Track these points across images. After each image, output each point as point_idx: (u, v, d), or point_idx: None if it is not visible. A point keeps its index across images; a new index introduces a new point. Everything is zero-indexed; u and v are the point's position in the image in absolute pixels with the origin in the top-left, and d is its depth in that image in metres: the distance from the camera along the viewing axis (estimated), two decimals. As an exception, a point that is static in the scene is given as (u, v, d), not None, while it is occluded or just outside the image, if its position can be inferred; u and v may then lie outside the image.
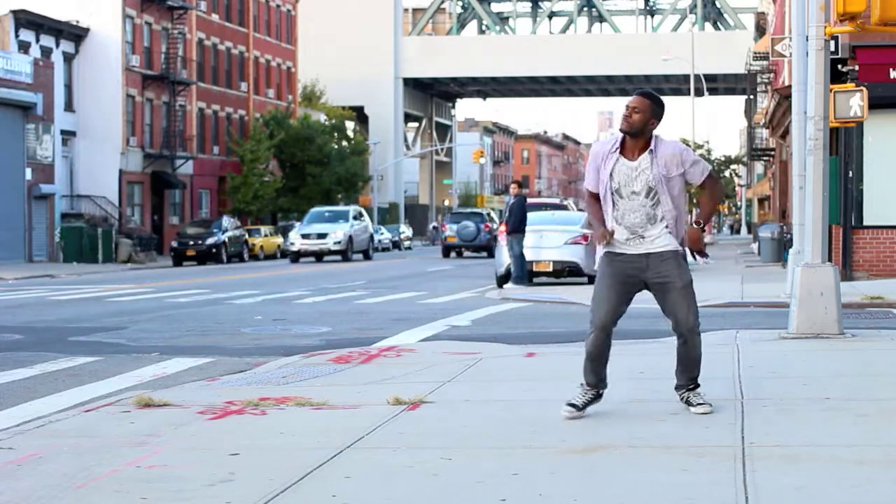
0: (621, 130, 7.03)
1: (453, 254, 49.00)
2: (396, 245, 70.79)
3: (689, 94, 73.50)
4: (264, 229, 56.63)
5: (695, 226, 7.13)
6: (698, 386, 7.25)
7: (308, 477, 5.66)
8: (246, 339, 13.99)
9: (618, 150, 7.05)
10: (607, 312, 7.11)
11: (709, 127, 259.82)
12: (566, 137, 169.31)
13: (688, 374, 7.24)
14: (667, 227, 7.06)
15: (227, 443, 6.58)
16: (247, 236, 52.85)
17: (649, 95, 7.04)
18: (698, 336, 7.18)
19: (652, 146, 7.01)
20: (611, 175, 7.02)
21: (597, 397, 7.24)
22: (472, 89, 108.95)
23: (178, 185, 58.48)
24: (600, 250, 7.21)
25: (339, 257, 46.28)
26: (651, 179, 6.98)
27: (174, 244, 48.83)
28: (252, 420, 7.35)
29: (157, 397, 8.12)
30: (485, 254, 46.74)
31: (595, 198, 7.19)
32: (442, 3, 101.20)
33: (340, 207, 53.32)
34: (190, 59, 60.45)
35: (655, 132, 7.08)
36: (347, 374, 9.59)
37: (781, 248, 31.44)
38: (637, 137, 7.00)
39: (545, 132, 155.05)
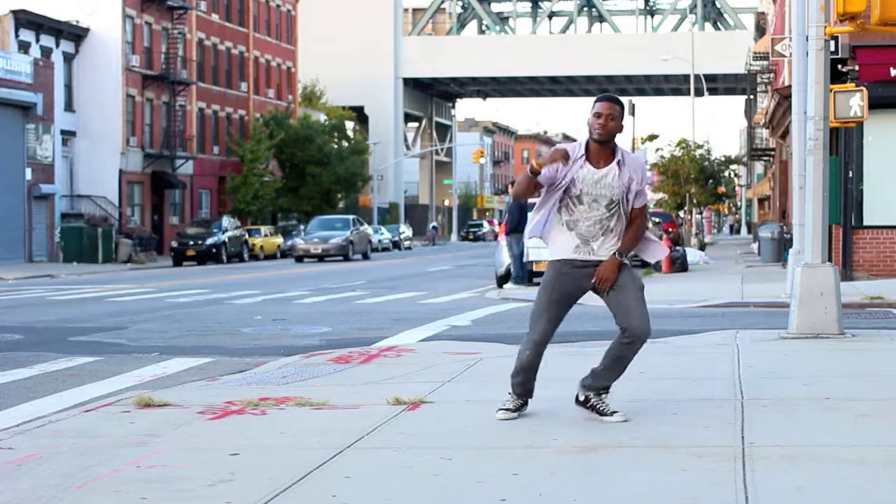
0: (597, 139, 6.77)
1: None
2: (396, 245, 70.77)
3: (689, 94, 73.48)
4: (264, 229, 56.64)
5: (617, 256, 6.84)
6: (608, 391, 7.08)
7: (308, 477, 5.66)
8: (246, 339, 13.99)
9: (584, 156, 6.83)
10: (549, 322, 6.92)
11: (709, 127, 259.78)
12: (566, 137, 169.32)
13: (612, 377, 7.01)
14: (617, 239, 6.89)
15: (227, 443, 6.58)
16: (247, 236, 52.86)
17: (619, 100, 6.87)
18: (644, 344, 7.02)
19: (619, 157, 6.83)
20: (573, 181, 6.79)
21: (525, 404, 7.17)
22: (472, 89, 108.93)
23: (178, 185, 58.48)
24: (551, 253, 6.96)
25: None
26: (615, 192, 6.80)
27: (174, 244, 48.83)
28: (252, 420, 7.34)
29: (157, 397, 8.12)
30: None
31: (535, 189, 6.90)
32: (442, 3, 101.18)
33: None
34: (190, 59, 60.45)
35: (616, 141, 6.92)
36: (347, 374, 9.59)
37: (781, 248, 31.44)
38: (606, 145, 6.82)
39: (545, 132, 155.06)
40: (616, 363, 6.99)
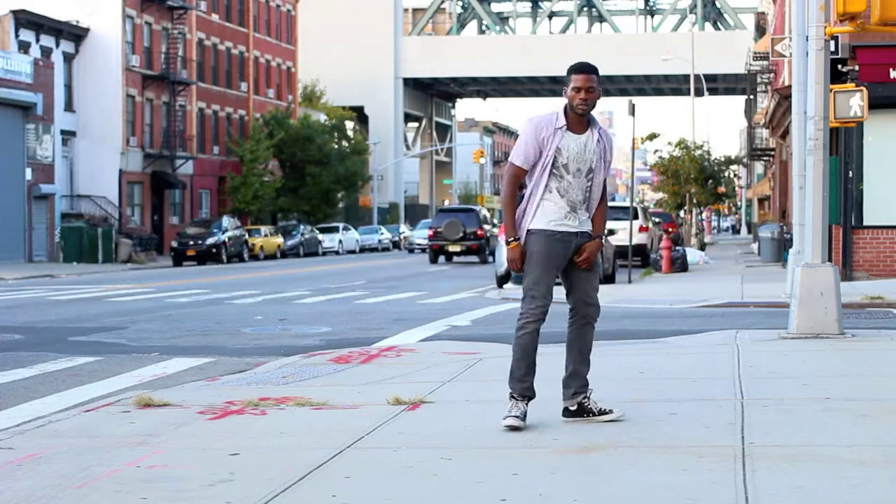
0: (581, 113, 6.73)
1: None
2: (396, 245, 70.79)
3: (689, 94, 73.49)
4: (264, 229, 56.63)
5: (598, 240, 6.90)
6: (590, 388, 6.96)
7: (308, 477, 5.66)
8: (246, 339, 13.99)
9: (565, 125, 6.77)
10: (548, 292, 6.84)
11: (709, 127, 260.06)
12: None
13: (584, 366, 6.90)
14: (587, 210, 6.88)
15: (227, 443, 6.58)
16: (247, 236, 52.86)
17: (595, 69, 6.80)
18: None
19: (594, 124, 6.83)
20: (558, 150, 6.72)
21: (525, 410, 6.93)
22: (472, 89, 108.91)
23: (178, 185, 58.48)
24: (532, 224, 6.78)
25: None
26: (594, 160, 6.79)
27: (174, 244, 48.84)
28: (252, 420, 7.34)
29: (157, 397, 8.12)
30: None
31: (519, 182, 6.82)
32: (442, 3, 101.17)
33: None
34: (190, 59, 60.45)
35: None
36: (347, 374, 9.59)
37: (781, 248, 31.45)
38: (586, 115, 6.80)
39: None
40: (583, 350, 6.94)
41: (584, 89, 6.71)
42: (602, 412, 6.91)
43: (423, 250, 54.94)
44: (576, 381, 6.92)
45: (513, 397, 6.81)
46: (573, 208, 6.79)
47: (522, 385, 6.81)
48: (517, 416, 6.72)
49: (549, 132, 6.74)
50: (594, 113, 6.88)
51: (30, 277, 34.88)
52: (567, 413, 6.93)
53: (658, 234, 38.85)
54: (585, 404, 6.91)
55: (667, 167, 52.61)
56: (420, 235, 57.28)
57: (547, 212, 6.78)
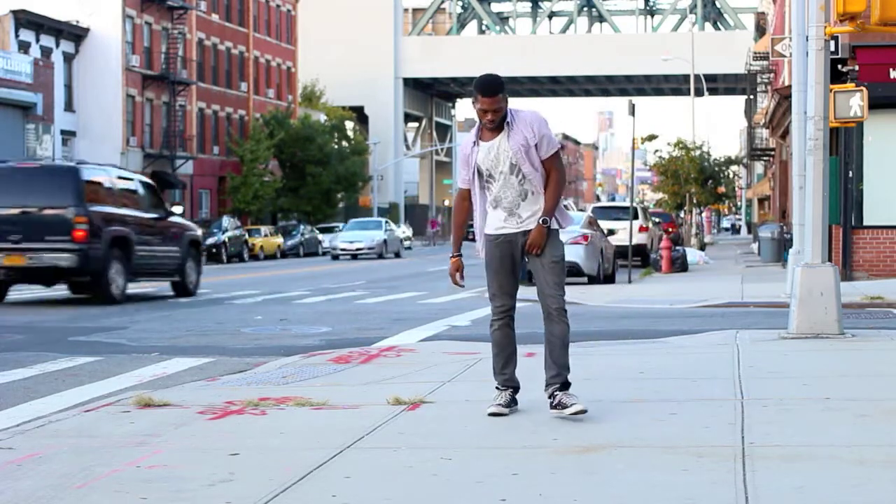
0: (489, 129, 6.98)
1: None
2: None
3: (689, 94, 73.50)
4: (264, 229, 56.66)
5: (541, 224, 6.96)
6: (569, 384, 7.04)
7: (308, 477, 5.66)
8: (246, 339, 13.99)
9: (475, 141, 7.04)
10: (503, 293, 7.14)
11: (709, 127, 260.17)
12: (566, 137, 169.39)
13: (552, 357, 6.99)
14: (539, 198, 6.99)
15: (227, 443, 6.58)
16: (247, 236, 52.88)
17: (500, 86, 6.90)
18: (566, 317, 7.02)
19: (508, 119, 6.97)
20: (477, 166, 7.02)
21: (514, 401, 7.22)
22: (473, 89, 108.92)
23: (178, 185, 58.50)
24: (480, 238, 7.23)
25: None
26: (512, 155, 6.92)
27: (174, 244, 48.81)
28: (252, 420, 7.34)
29: (157, 397, 8.12)
30: None
31: (466, 200, 7.21)
32: (442, 3, 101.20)
33: None
34: (190, 59, 60.47)
35: (510, 107, 7.02)
36: (347, 374, 9.59)
37: (781, 248, 31.47)
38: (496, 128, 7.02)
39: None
40: (551, 341, 7.04)
41: (491, 111, 6.92)
42: (563, 406, 6.93)
43: (354, 256, 50.57)
44: (546, 371, 7.10)
45: (497, 388, 7.28)
46: (510, 212, 7.05)
47: (502, 377, 7.25)
48: (500, 405, 7.16)
49: (468, 150, 7.07)
50: (522, 110, 7.10)
51: (30, 277, 34.80)
52: (550, 406, 7.06)
53: (658, 234, 38.88)
54: (557, 397, 6.99)
55: (666, 167, 52.64)
56: (345, 239, 51.36)
57: (491, 219, 7.14)
